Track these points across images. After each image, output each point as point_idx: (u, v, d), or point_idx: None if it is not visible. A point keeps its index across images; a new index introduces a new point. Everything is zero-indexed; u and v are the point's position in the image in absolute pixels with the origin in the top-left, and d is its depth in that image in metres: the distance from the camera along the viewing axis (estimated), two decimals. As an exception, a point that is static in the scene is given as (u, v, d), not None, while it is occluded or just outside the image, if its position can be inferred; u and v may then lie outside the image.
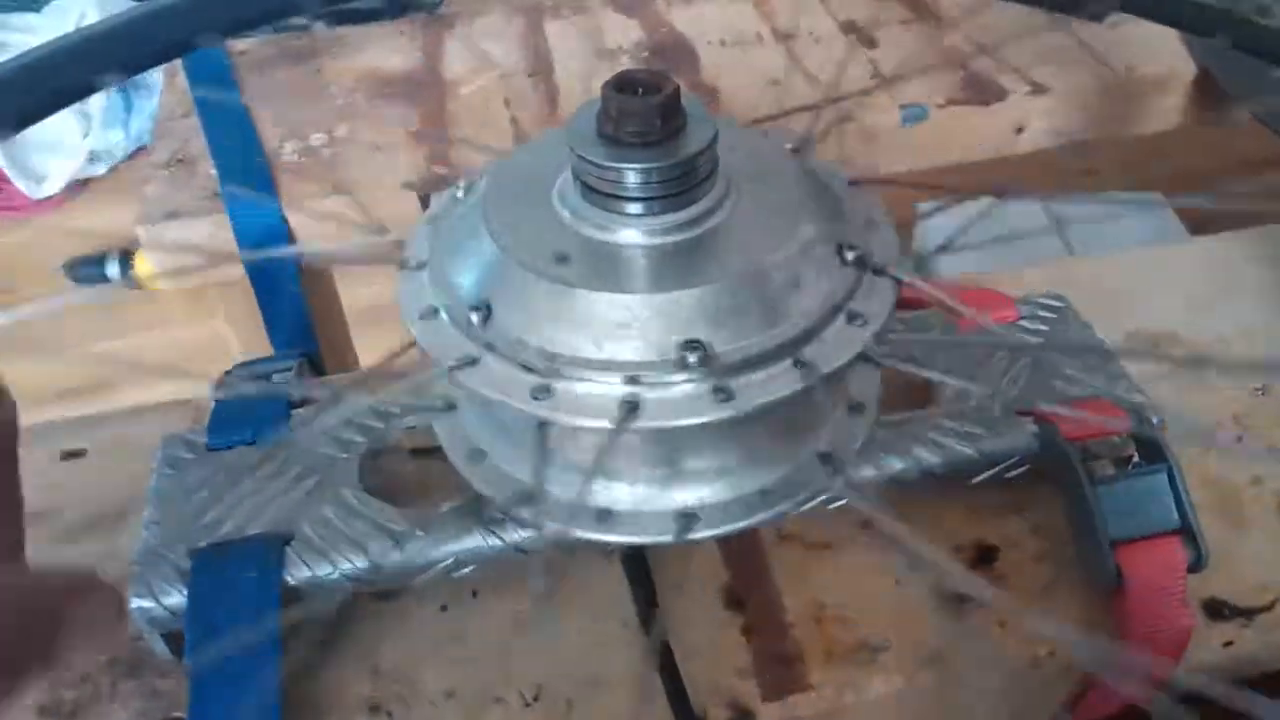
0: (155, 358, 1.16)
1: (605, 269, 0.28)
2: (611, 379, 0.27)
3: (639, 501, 0.31)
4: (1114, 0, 0.40)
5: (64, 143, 1.32)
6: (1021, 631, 0.34)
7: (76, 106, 1.48)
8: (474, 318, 0.28)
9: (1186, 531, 0.34)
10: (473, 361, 0.28)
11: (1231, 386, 0.43)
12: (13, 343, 1.22)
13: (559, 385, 0.27)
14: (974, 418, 0.37)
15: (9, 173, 1.29)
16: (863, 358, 0.29)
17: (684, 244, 0.29)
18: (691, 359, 0.27)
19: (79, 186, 1.32)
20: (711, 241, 0.29)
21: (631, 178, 0.28)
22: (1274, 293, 0.48)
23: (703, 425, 0.27)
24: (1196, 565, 0.34)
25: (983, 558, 0.37)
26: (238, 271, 0.57)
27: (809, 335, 0.28)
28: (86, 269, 1.23)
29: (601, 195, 0.29)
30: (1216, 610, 0.36)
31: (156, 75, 1.24)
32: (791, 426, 0.31)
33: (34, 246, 1.28)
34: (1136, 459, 0.36)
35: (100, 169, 1.32)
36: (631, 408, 0.27)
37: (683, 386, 0.27)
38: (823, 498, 0.34)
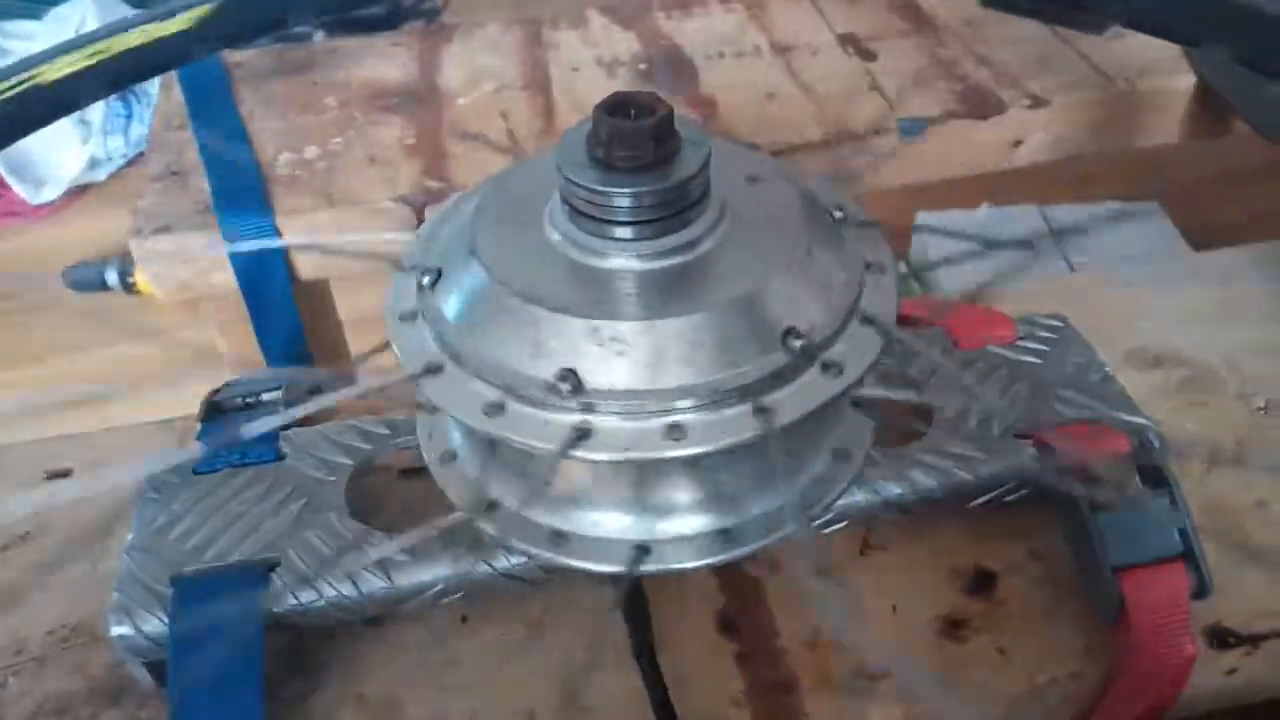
0: (149, 366, 1.16)
1: (581, 291, 0.28)
2: (568, 403, 0.27)
3: (594, 527, 0.30)
4: (1116, 12, 0.39)
5: (64, 149, 1.32)
6: (1022, 660, 0.34)
7: (76, 114, 1.48)
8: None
9: (1190, 558, 0.34)
10: (437, 369, 0.28)
11: (1233, 405, 0.43)
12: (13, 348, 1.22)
13: (513, 405, 0.27)
14: (972, 441, 0.37)
15: (9, 178, 1.29)
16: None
17: (668, 270, 0.28)
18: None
19: (79, 193, 1.32)
20: (696, 270, 0.28)
21: (621, 202, 0.28)
22: (1278, 311, 0.47)
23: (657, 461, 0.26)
24: (1200, 593, 0.34)
25: (981, 582, 0.36)
26: (230, 284, 0.56)
27: (774, 381, 0.27)
28: (85, 276, 1.22)
29: (588, 219, 0.28)
30: (1220, 638, 0.35)
31: (156, 83, 1.24)
32: (760, 470, 0.31)
33: (33, 252, 1.28)
34: (1137, 483, 0.35)
35: (100, 175, 1.32)
36: (581, 434, 0.26)
37: (636, 420, 0.27)
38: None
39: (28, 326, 1.26)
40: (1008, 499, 0.36)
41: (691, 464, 0.29)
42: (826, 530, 0.35)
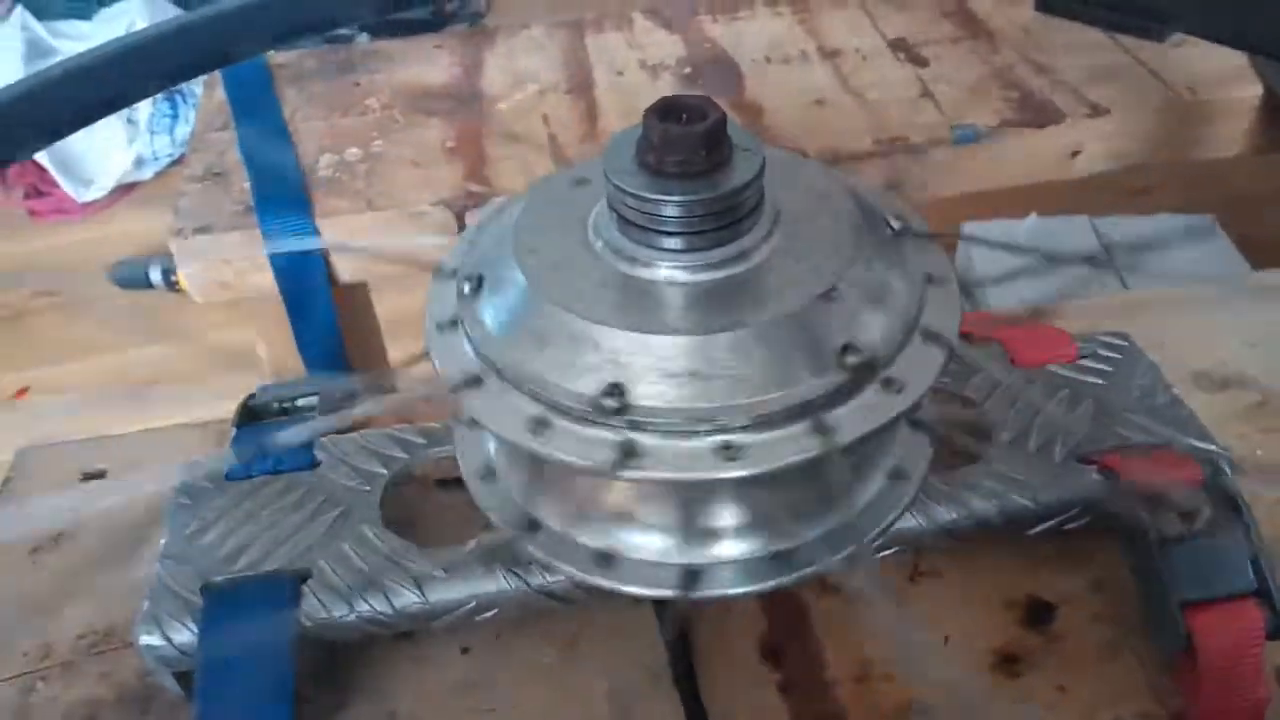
0: (191, 364, 1.17)
1: (627, 304, 0.27)
2: (614, 421, 0.25)
3: (641, 549, 0.29)
4: (1179, 18, 0.38)
5: (111, 148, 1.34)
6: (1082, 698, 0.32)
7: (124, 113, 1.50)
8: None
9: (1264, 594, 0.32)
10: (476, 382, 0.27)
11: (1309, 433, 0.40)
12: (59, 344, 1.23)
13: (557, 420, 0.26)
14: (1032, 465, 0.35)
15: (57, 176, 1.31)
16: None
17: (719, 283, 0.27)
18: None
19: (125, 191, 1.34)
20: (748, 283, 0.27)
21: (669, 211, 0.27)
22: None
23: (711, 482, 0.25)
24: (1276, 633, 0.32)
25: (1038, 615, 0.34)
26: (270, 285, 0.56)
27: (832, 398, 0.26)
28: (131, 274, 1.24)
29: (636, 228, 0.27)
30: (1296, 681, 0.33)
31: (200, 83, 1.25)
32: (814, 492, 0.29)
33: (80, 249, 1.29)
34: (1210, 514, 0.33)
35: (146, 174, 1.34)
36: (629, 453, 0.25)
37: (686, 439, 0.25)
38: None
39: (73, 323, 1.28)
40: (1068, 527, 0.35)
41: (744, 485, 0.28)
42: (877, 555, 0.34)
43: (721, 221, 0.27)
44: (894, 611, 0.35)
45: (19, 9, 1.36)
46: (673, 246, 0.27)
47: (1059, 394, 0.37)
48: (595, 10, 0.74)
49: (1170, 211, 1.12)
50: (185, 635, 0.31)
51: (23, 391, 1.20)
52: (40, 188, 1.38)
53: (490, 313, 0.28)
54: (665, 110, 0.26)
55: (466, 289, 0.28)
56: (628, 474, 0.25)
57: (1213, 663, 0.31)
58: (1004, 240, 1.12)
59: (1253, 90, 0.63)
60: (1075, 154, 0.63)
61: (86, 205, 1.32)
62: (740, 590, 0.29)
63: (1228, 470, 0.34)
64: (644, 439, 0.26)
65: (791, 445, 0.25)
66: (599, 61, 0.68)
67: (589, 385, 0.26)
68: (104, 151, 1.32)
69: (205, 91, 0.67)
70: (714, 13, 0.73)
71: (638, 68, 0.68)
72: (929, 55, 0.68)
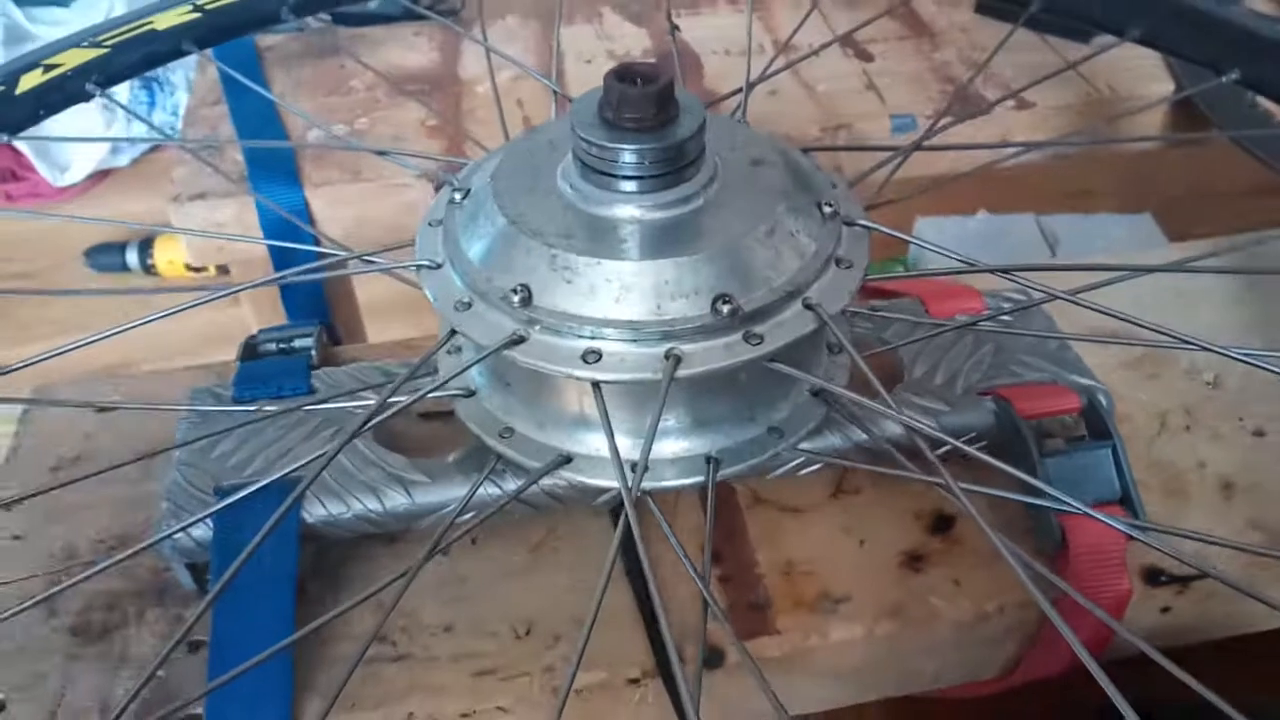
0: (167, 344, 1.20)
1: (646, 240, 0.32)
2: (654, 338, 0.30)
3: (598, 450, 0.35)
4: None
5: (88, 134, 1.36)
6: (974, 590, 0.38)
7: (99, 100, 1.52)
8: (515, 299, 0.31)
9: (1127, 501, 0.38)
10: (521, 340, 0.32)
11: (1184, 379, 0.46)
12: (38, 326, 1.26)
13: (536, 335, 0.31)
14: (937, 396, 0.40)
15: (34, 161, 1.33)
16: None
17: (686, 216, 0.32)
18: (724, 310, 0.30)
19: (101, 177, 1.36)
20: (687, 223, 0.32)
21: (625, 158, 0.32)
22: (1237, 300, 0.51)
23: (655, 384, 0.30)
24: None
25: (941, 525, 0.40)
26: (260, 251, 0.60)
27: (761, 315, 0.31)
28: (107, 257, 1.27)
29: (596, 173, 0.32)
30: (1154, 577, 0.39)
31: (178, 73, 1.29)
32: (744, 401, 0.35)
33: (56, 233, 1.32)
34: (1085, 436, 0.39)
35: (122, 160, 1.37)
36: (676, 361, 0.30)
37: (719, 338, 0.31)
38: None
39: (47, 304, 1.30)
40: (968, 449, 0.40)
41: (685, 390, 0.33)
42: (804, 472, 0.39)
43: (668, 168, 0.32)
44: (816, 520, 0.40)
45: (-4, -6, 1.38)
46: (628, 189, 0.32)
47: (963, 339, 0.43)
48: (567, 4, 0.79)
49: (1109, 212, 1.19)
50: (202, 530, 0.36)
51: (0, 369, 1.22)
52: (16, 172, 1.40)
53: (473, 249, 0.33)
54: (622, 74, 0.32)
55: (458, 196, 0.33)
56: (580, 373, 0.30)
57: (1083, 559, 0.37)
58: (956, 233, 1.19)
59: (1164, 87, 0.70)
60: (1005, 144, 0.68)
61: (62, 190, 1.34)
62: (677, 483, 0.34)
63: (1103, 401, 0.40)
64: (605, 345, 0.31)
65: (728, 352, 0.31)
66: (570, 50, 0.74)
67: (557, 302, 0.31)
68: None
69: (198, 71, 0.71)
70: (678, 8, 0.79)
71: (606, 57, 0.73)
72: (875, 52, 0.74)
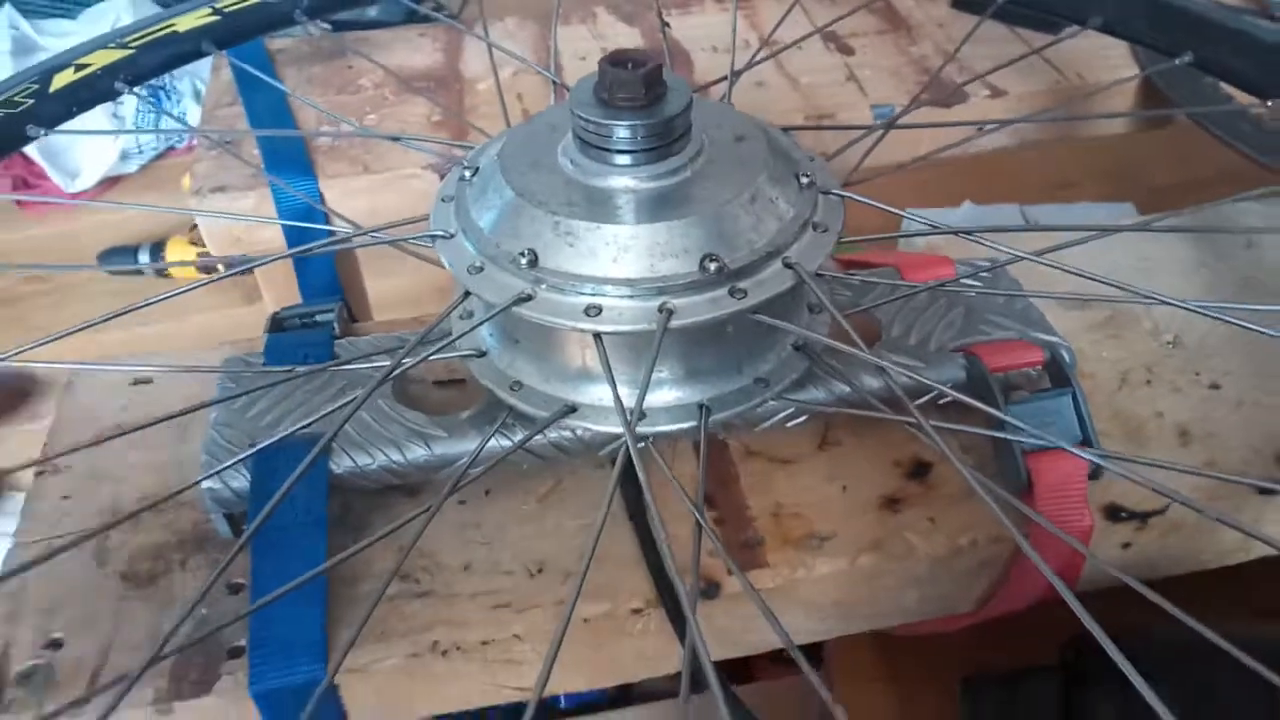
0: (179, 345, 1.23)
1: (640, 206, 0.35)
2: (648, 293, 0.34)
3: (600, 399, 0.38)
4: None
5: (97, 141, 1.40)
6: (948, 527, 0.41)
7: (109, 108, 1.56)
8: (523, 261, 0.35)
9: (1087, 444, 0.41)
10: (528, 298, 0.35)
11: (1146, 340, 0.50)
12: (52, 327, 1.29)
13: (606, 303, 0.34)
14: (912, 353, 0.44)
15: (46, 168, 1.37)
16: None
17: (675, 186, 0.36)
18: (711, 268, 0.33)
19: (110, 183, 1.40)
20: (676, 192, 0.36)
21: (619, 134, 0.35)
22: (1198, 265, 0.54)
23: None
24: (1095, 473, 0.41)
25: (917, 472, 0.43)
26: (278, 239, 0.63)
27: (745, 272, 0.35)
28: (119, 259, 1.30)
29: (594, 148, 0.36)
30: (1114, 513, 0.42)
31: (184, 80, 1.32)
32: (731, 353, 0.38)
33: (69, 238, 1.35)
34: (1048, 385, 0.43)
35: (131, 167, 1.40)
36: (669, 314, 0.34)
37: (707, 292, 0.34)
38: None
39: (63, 306, 1.34)
40: (942, 401, 0.44)
41: (678, 342, 0.36)
42: (790, 424, 0.42)
43: (659, 143, 0.36)
44: (803, 470, 0.43)
45: (7, 6, 1.42)
46: (622, 163, 0.36)
47: (937, 302, 0.46)
48: (563, 6, 0.83)
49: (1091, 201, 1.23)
50: (239, 481, 0.39)
51: (18, 370, 1.25)
52: (28, 180, 1.43)
53: (483, 218, 0.37)
54: (615, 59, 0.35)
55: (468, 174, 0.37)
56: (583, 325, 0.34)
57: (1047, 496, 0.40)
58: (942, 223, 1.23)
59: (1129, 73, 0.73)
60: (980, 130, 0.72)
61: (74, 196, 1.37)
62: (673, 427, 0.37)
63: (1065, 355, 0.43)
64: (605, 301, 0.34)
65: (714, 305, 0.34)
66: (566, 49, 0.77)
67: (561, 263, 0.34)
68: (91, 144, 1.37)
69: (212, 74, 0.74)
70: (668, 7, 0.82)
71: (600, 54, 0.77)
72: (855, 45, 0.77)
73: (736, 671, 0.74)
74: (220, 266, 1.15)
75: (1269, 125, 0.64)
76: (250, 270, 1.16)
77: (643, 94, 0.35)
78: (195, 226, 1.30)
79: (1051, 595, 0.43)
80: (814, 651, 0.59)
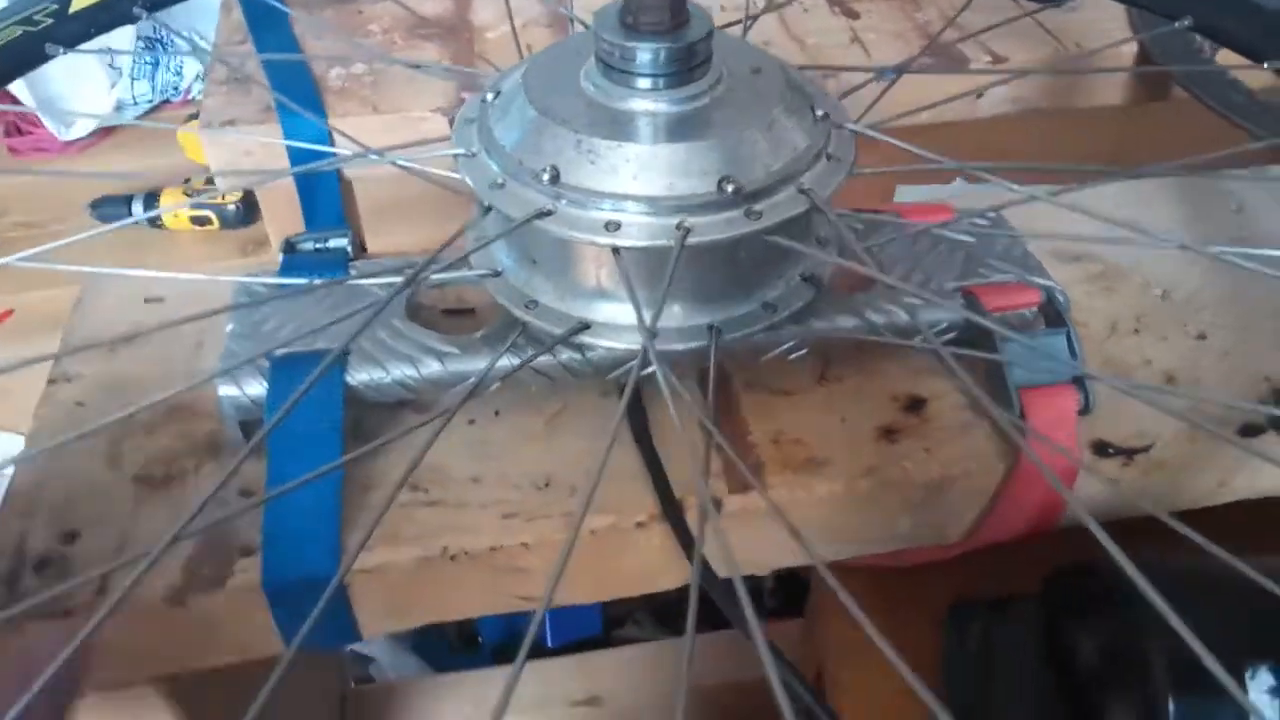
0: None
1: (660, 128, 0.36)
2: (666, 211, 0.35)
3: (613, 318, 0.39)
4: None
5: (93, 90, 1.39)
6: (942, 457, 0.42)
7: (105, 59, 1.54)
8: (545, 177, 0.36)
9: (1078, 382, 0.42)
10: (549, 213, 0.36)
11: (1137, 292, 0.51)
12: (41, 272, 1.29)
13: (625, 219, 0.35)
14: (914, 293, 0.45)
15: (39, 114, 1.36)
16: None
17: (695, 110, 0.37)
18: (729, 189, 0.34)
19: (106, 133, 1.39)
20: (696, 116, 0.37)
21: (643, 57, 0.36)
22: (1186, 228, 0.56)
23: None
24: (1085, 409, 0.43)
25: (916, 405, 0.45)
26: (286, 183, 0.64)
27: (760, 194, 0.36)
28: (112, 208, 1.29)
29: (617, 71, 0.37)
30: (1102, 449, 0.43)
31: (182, 36, 1.32)
32: (741, 277, 0.39)
33: (61, 185, 1.35)
34: (1043, 325, 0.44)
35: (127, 118, 1.40)
36: (686, 232, 0.35)
37: (723, 213, 0.35)
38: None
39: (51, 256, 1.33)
40: (942, 339, 0.45)
41: (692, 263, 0.37)
42: (793, 356, 0.44)
43: (680, 67, 0.37)
44: (803, 402, 0.45)
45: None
46: (644, 86, 0.37)
47: (938, 247, 0.48)
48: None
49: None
50: (257, 389, 0.40)
51: (6, 314, 1.25)
52: (20, 126, 1.43)
53: (506, 136, 0.38)
54: (640, -17, 0.36)
55: (490, 96, 0.38)
56: (602, 240, 0.35)
57: (1040, 430, 0.42)
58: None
59: (1129, 47, 0.75)
60: (979, 95, 0.73)
61: (67, 145, 1.37)
62: (685, 345, 0.38)
63: (1059, 297, 0.45)
64: (624, 217, 0.35)
65: (729, 225, 0.35)
66: (576, 4, 0.78)
67: (582, 180, 0.35)
68: (86, 93, 1.37)
69: (222, 13, 0.75)
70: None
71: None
72: (860, 10, 0.78)
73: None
74: (223, 196, 1.15)
75: (1262, 97, 0.65)
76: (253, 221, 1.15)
77: (668, 18, 0.36)
78: (189, 179, 1.30)
79: (1033, 529, 0.44)
80: (800, 588, 0.61)
